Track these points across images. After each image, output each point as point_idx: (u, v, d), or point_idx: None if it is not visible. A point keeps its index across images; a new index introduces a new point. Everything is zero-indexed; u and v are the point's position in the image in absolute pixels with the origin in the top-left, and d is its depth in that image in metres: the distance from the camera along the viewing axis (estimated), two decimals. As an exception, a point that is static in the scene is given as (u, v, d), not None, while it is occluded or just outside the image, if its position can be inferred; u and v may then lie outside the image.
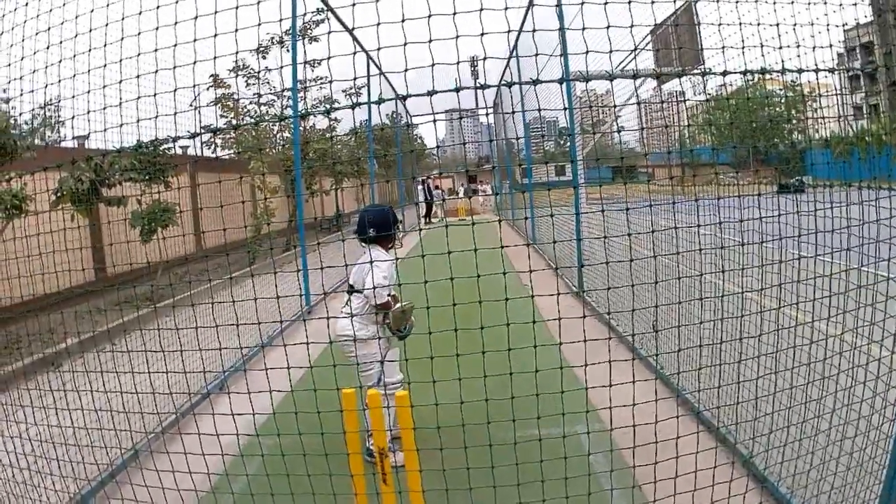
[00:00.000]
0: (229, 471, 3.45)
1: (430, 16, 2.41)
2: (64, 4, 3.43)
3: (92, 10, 3.42)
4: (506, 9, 2.43)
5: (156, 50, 3.08)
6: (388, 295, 4.16)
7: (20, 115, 7.78)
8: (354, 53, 2.56)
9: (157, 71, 3.11)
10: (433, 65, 2.37)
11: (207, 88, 14.16)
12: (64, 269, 3.49)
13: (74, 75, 3.46)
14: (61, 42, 3.45)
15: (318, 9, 14.82)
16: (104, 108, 3.39)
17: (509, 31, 2.38)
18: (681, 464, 2.75)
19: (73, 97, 3.50)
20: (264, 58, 15.95)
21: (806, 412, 3.01)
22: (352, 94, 17.43)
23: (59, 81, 3.52)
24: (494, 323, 2.56)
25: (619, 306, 6.04)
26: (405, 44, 2.40)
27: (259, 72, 16.07)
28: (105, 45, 3.37)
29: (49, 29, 3.48)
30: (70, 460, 3.59)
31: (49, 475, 3.59)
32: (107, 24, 3.33)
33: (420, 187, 27.39)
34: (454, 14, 2.41)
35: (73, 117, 3.57)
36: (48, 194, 7.87)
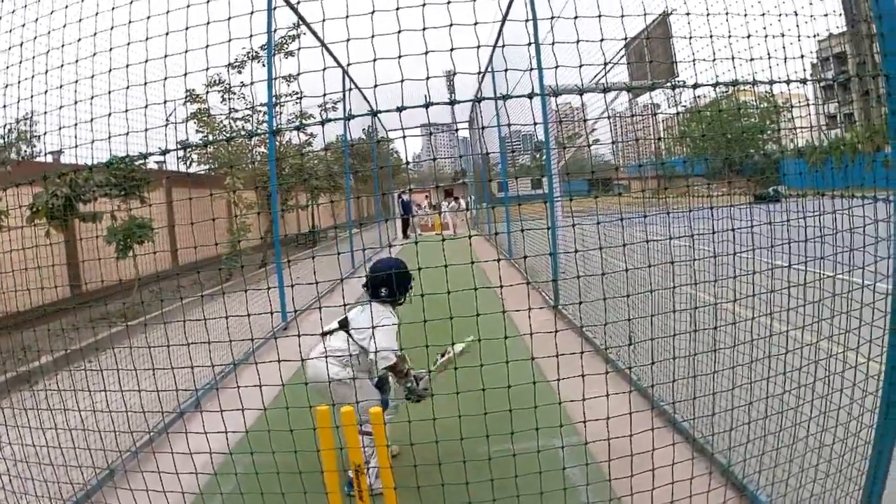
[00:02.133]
0: (204, 490, 3.41)
1: (399, 31, 2.41)
2: (37, 20, 3.41)
3: (65, 25, 3.40)
4: (475, 24, 2.44)
5: (127, 66, 3.06)
6: (396, 356, 3.73)
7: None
8: (324, 69, 2.56)
9: (128, 87, 3.09)
10: (402, 80, 2.37)
11: (184, 103, 14.06)
12: (38, 287, 3.44)
13: (47, 91, 3.44)
14: (34, 57, 3.42)
15: (294, 23, 14.78)
16: (75, 125, 3.37)
17: (479, 47, 2.39)
18: (658, 475, 2.75)
19: (46, 113, 3.48)
20: (240, 72, 15.80)
21: (784, 420, 3.03)
22: (327, 108, 17.28)
23: (31, 97, 3.49)
24: (469, 337, 2.56)
25: (594, 319, 6.05)
26: (374, 59, 2.41)
27: (232, 88, 15.93)
28: (77, 62, 3.36)
29: (22, 44, 3.46)
30: (45, 480, 3.55)
31: (24, 495, 3.54)
32: (79, 40, 3.32)
33: (398, 202, 27.29)
34: (423, 30, 2.42)
35: (45, 133, 3.54)
36: (21, 210, 7.78)
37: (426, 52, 2.39)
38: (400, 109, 2.30)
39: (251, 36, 2.72)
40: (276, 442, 2.79)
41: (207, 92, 15.73)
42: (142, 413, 3.49)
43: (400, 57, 2.37)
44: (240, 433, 2.94)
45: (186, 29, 2.95)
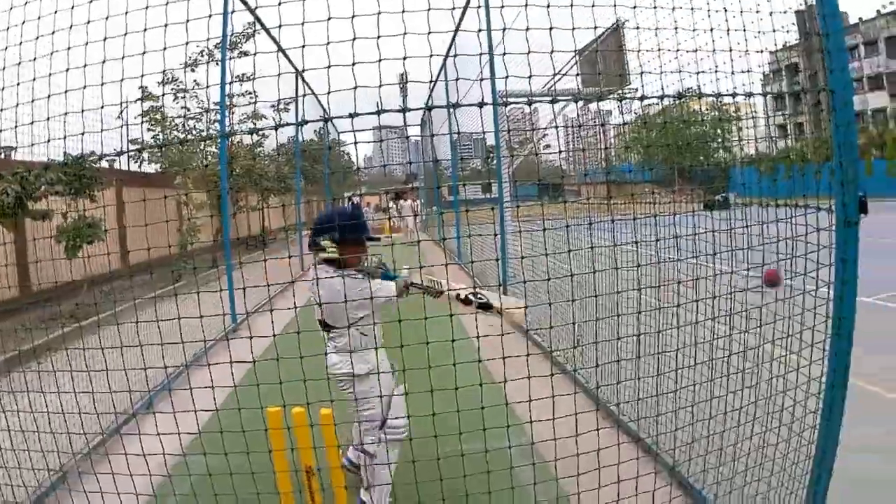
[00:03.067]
0: (158, 491, 3.40)
1: (354, 39, 2.46)
2: (-8, 18, 3.38)
3: (23, 22, 3.38)
4: (429, 33, 2.49)
5: (84, 66, 3.05)
6: (405, 284, 3.35)
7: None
8: (279, 75, 2.59)
9: (84, 87, 3.08)
10: (356, 87, 2.42)
11: (136, 101, 13.78)
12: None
13: (3, 87, 3.41)
14: (-9, 55, 3.39)
15: (249, 22, 14.62)
16: (31, 123, 3.35)
17: (431, 56, 2.44)
18: (604, 474, 2.83)
19: (1, 110, 3.45)
20: (193, 71, 15.57)
21: (729, 421, 3.13)
22: (280, 109, 17.10)
23: (-15, 95, 3.45)
24: (419, 341, 2.60)
25: (541, 323, 6.12)
26: (329, 66, 2.45)
27: (185, 87, 15.67)
28: (34, 60, 3.34)
29: (-24, 42, 3.42)
30: (-4, 483, 3.50)
31: (-25, 499, 3.49)
32: (37, 38, 3.30)
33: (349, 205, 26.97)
34: (378, 38, 2.47)
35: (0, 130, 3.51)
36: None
37: (379, 60, 2.45)
38: (352, 116, 2.35)
39: (207, 39, 2.74)
40: (230, 443, 2.81)
41: (163, 93, 15.44)
42: (94, 414, 3.46)
43: (354, 64, 2.41)
44: (193, 434, 2.95)
45: (145, 30, 2.97)
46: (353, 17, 2.50)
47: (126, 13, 3.07)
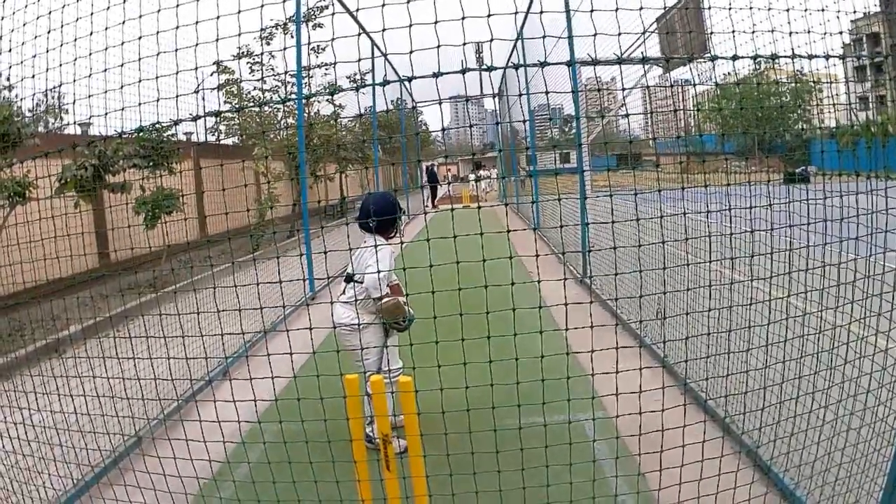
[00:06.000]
0: (231, 458, 3.44)
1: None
2: (65, -12, 3.39)
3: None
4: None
5: (157, 32, 3.05)
6: (388, 285, 4.09)
7: (22, 100, 7.75)
8: (359, 35, 2.52)
9: (158, 54, 3.07)
10: (438, 46, 2.33)
11: (211, 74, 14.04)
12: (67, 256, 3.47)
13: (76, 59, 3.42)
14: (62, 26, 3.41)
15: None
16: (105, 93, 3.36)
17: (516, 13, 2.34)
18: (685, 453, 2.73)
19: (74, 81, 3.47)
20: (268, 44, 15.77)
21: (812, 403, 2.99)
22: (356, 79, 17.35)
23: (60, 66, 3.48)
24: (499, 309, 2.54)
25: (624, 293, 6.02)
26: (410, 25, 2.37)
27: (262, 55, 15.91)
28: (106, 29, 3.34)
29: (50, 13, 3.44)
30: (74, 447, 3.59)
31: (53, 461, 3.59)
32: (108, 7, 3.30)
33: (424, 172, 27.33)
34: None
35: (73, 102, 3.53)
36: (51, 180, 7.85)
37: (463, 18, 2.35)
38: (436, 75, 2.27)
39: (283, 1, 2.68)
40: (304, 410, 2.81)
41: (238, 61, 15.67)
42: (170, 381, 3.52)
43: (437, 23, 2.33)
44: (268, 401, 2.95)
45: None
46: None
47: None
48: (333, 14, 2.55)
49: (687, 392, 4.05)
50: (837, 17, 3.09)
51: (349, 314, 4.09)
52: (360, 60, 2.37)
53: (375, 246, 3.57)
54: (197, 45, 2.96)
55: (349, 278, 4.19)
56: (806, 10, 3.04)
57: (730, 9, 2.82)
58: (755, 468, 3.42)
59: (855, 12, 3.19)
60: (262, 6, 2.75)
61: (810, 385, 3.01)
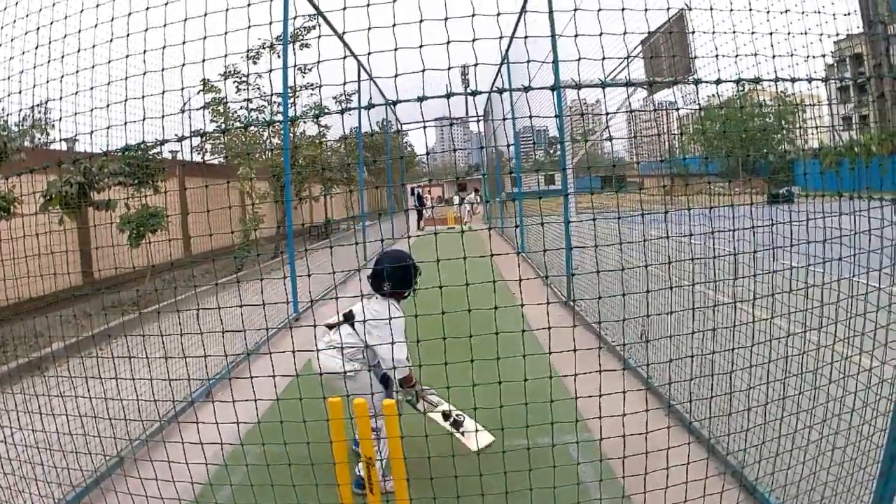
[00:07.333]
0: (214, 480, 3.40)
1: (421, 20, 2.39)
2: (54, 5, 3.39)
3: (81, 11, 3.38)
4: (498, 14, 2.41)
5: (144, 52, 3.05)
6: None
7: (9, 115, 7.71)
8: (345, 58, 2.53)
9: (144, 73, 3.07)
10: (423, 70, 2.35)
11: (198, 93, 14.05)
12: (51, 274, 3.44)
13: (62, 76, 3.42)
14: (50, 42, 3.40)
15: (309, 15, 14.79)
16: (91, 111, 3.35)
17: (501, 38, 2.36)
18: (670, 474, 2.73)
19: (61, 98, 3.46)
20: (255, 63, 15.86)
21: (797, 423, 3.00)
22: (342, 100, 17.46)
23: (47, 83, 3.47)
24: (483, 332, 2.53)
25: (608, 316, 6.02)
26: (396, 49, 2.38)
27: (248, 76, 15.97)
28: (94, 47, 3.34)
29: (38, 29, 3.44)
30: (55, 466, 3.54)
31: (34, 480, 3.54)
32: (96, 25, 3.30)
33: (411, 195, 27.46)
34: (446, 19, 2.39)
35: (59, 119, 3.52)
36: (34, 197, 7.81)
37: (448, 42, 2.37)
38: (421, 100, 2.28)
39: (270, 23, 2.70)
40: (287, 433, 2.78)
41: (224, 80, 15.69)
42: (152, 401, 3.48)
43: (421, 46, 2.34)
44: (251, 424, 2.93)
45: (205, 15, 2.94)
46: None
47: (185, -1, 3.04)
48: (320, 37, 2.55)
49: (671, 414, 4.05)
50: (820, 40, 3.14)
51: (340, 361, 3.59)
52: (345, 83, 2.38)
53: (390, 318, 3.34)
54: (184, 65, 2.96)
55: (346, 318, 3.78)
56: (789, 34, 3.09)
57: (713, 33, 2.86)
58: (741, 488, 3.41)
59: (838, 34, 3.24)
60: (249, 28, 2.76)
61: (795, 405, 3.02)
